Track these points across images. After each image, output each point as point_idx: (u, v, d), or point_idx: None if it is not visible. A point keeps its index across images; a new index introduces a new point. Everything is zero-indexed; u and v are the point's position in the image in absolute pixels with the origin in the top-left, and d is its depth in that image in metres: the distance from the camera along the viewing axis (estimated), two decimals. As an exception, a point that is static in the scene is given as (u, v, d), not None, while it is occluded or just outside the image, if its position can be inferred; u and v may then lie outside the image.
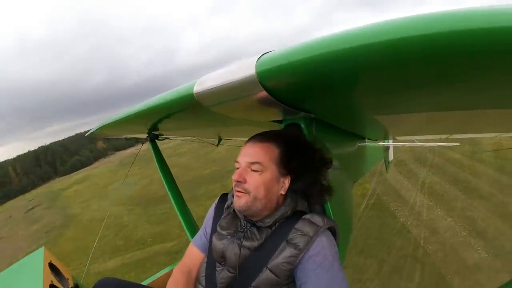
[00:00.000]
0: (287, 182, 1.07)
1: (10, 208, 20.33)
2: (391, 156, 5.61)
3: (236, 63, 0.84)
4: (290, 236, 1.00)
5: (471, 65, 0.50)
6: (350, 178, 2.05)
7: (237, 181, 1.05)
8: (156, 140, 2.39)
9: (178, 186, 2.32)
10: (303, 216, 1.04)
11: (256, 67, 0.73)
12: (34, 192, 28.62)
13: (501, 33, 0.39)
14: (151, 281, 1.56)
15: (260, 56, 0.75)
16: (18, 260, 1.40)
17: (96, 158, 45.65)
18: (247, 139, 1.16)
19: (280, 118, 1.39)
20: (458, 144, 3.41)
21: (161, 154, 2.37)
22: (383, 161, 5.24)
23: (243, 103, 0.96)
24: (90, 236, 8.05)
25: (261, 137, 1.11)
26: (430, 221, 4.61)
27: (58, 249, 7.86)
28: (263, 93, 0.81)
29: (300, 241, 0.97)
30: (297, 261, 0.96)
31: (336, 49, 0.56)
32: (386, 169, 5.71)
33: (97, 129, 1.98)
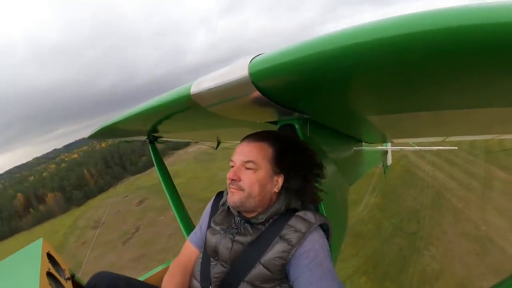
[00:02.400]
0: (280, 180, 1.10)
1: (105, 205, 21.50)
2: (389, 161, 5.67)
3: (231, 64, 0.86)
4: (283, 232, 1.01)
5: (466, 62, 0.51)
6: (346, 180, 2.08)
7: (232, 179, 1.07)
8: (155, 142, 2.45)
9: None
10: (296, 213, 1.07)
11: (249, 68, 0.75)
12: (115, 191, 30.70)
13: (500, 29, 0.40)
14: (147, 277, 1.58)
15: (253, 58, 0.77)
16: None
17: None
18: None
19: (275, 119, 1.40)
20: (457, 148, 3.78)
21: (160, 156, 2.44)
22: (381, 165, 5.28)
23: (238, 104, 0.98)
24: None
25: (255, 137, 1.14)
26: (433, 175, 9.35)
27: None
28: (257, 94, 0.83)
29: (292, 237, 0.99)
30: (290, 256, 0.98)
31: (326, 49, 0.57)
32: (384, 173, 5.79)
33: (97, 131, 1.99)
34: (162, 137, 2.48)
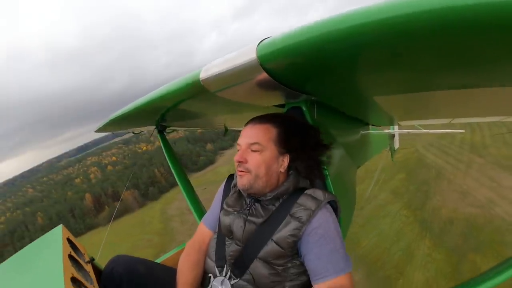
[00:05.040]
0: (286, 160, 1.12)
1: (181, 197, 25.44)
2: (396, 144, 5.72)
3: (239, 49, 0.87)
4: (293, 210, 1.05)
5: (472, 41, 0.51)
6: (353, 162, 2.11)
7: (239, 161, 1.10)
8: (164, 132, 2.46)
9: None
10: (305, 192, 1.09)
11: (257, 51, 0.77)
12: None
13: (504, 7, 0.40)
14: (164, 259, 1.63)
15: (261, 41, 0.79)
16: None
17: (213, 156, 58.18)
18: None
19: (283, 102, 1.44)
20: (463, 131, 3.89)
21: (170, 145, 2.46)
22: (389, 148, 5.36)
23: (247, 87, 1.01)
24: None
25: (260, 119, 1.16)
26: (435, 161, 14.97)
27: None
28: (265, 76, 0.86)
29: (302, 214, 1.02)
30: (301, 233, 1.01)
31: (332, 30, 0.59)
32: (392, 157, 5.78)
33: (106, 123, 1.99)
34: (170, 126, 2.49)
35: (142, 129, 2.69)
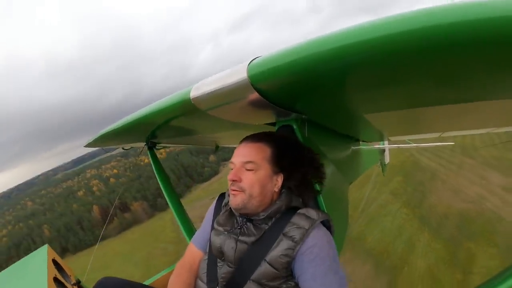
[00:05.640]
0: (280, 179, 1.11)
1: (196, 207, 24.57)
2: (387, 159, 5.81)
3: (230, 68, 0.88)
4: (286, 229, 1.02)
5: (457, 58, 0.53)
6: (345, 179, 2.12)
7: (233, 180, 1.08)
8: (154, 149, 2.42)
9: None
10: (298, 211, 1.08)
11: (248, 70, 0.78)
12: (192, 196, 37.72)
13: (489, 25, 0.42)
14: (152, 281, 1.58)
15: (252, 60, 0.79)
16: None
17: (217, 167, 59.26)
18: None
19: (273, 121, 1.44)
20: (453, 143, 3.91)
21: (159, 162, 2.45)
22: (379, 163, 5.44)
23: (238, 106, 1.01)
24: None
25: (254, 138, 1.15)
26: (429, 164, 16.46)
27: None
28: (256, 95, 0.86)
29: (296, 233, 1.00)
30: (294, 253, 0.98)
31: (322, 50, 0.60)
32: (383, 172, 5.90)
33: (95, 139, 1.98)
34: (160, 143, 2.48)
35: (132, 145, 2.68)
